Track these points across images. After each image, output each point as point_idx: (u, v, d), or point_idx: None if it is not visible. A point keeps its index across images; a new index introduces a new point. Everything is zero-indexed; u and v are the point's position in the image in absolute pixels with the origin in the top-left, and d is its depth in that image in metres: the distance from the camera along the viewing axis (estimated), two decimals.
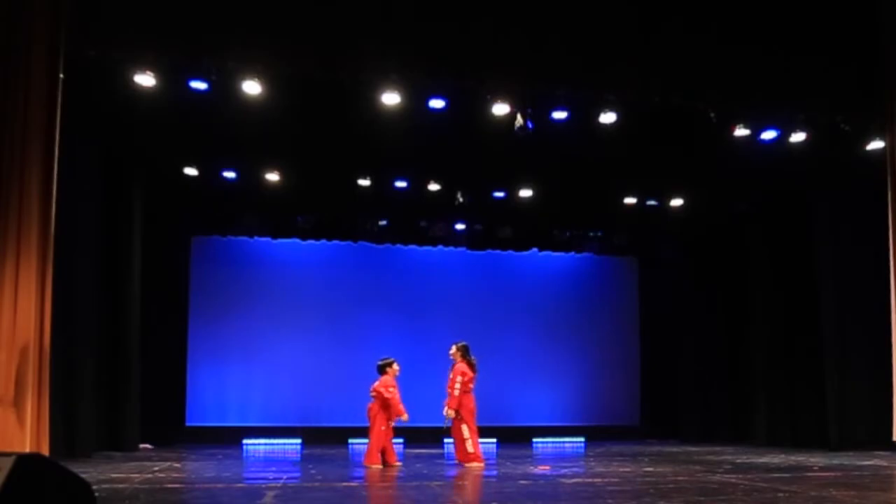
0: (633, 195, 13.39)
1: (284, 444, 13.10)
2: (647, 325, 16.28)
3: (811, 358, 12.24)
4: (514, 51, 8.91)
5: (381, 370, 9.61)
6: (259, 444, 12.85)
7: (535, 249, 15.40)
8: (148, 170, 11.93)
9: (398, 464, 9.44)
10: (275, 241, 14.58)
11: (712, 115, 9.64)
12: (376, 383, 9.54)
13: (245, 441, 13.04)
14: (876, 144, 10.02)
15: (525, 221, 14.49)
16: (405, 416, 9.43)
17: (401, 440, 13.37)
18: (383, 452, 9.35)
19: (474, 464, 9.22)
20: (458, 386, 9.41)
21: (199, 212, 13.82)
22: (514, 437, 14.50)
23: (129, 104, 9.25)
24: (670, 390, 15.64)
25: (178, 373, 13.99)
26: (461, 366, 9.58)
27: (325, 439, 13.84)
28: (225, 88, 8.73)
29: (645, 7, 9.24)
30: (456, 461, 9.47)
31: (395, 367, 9.65)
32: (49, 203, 7.38)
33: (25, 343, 7.00)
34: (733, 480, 7.11)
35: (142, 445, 11.61)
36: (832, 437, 11.65)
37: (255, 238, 14.43)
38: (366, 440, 9.54)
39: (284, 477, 7.62)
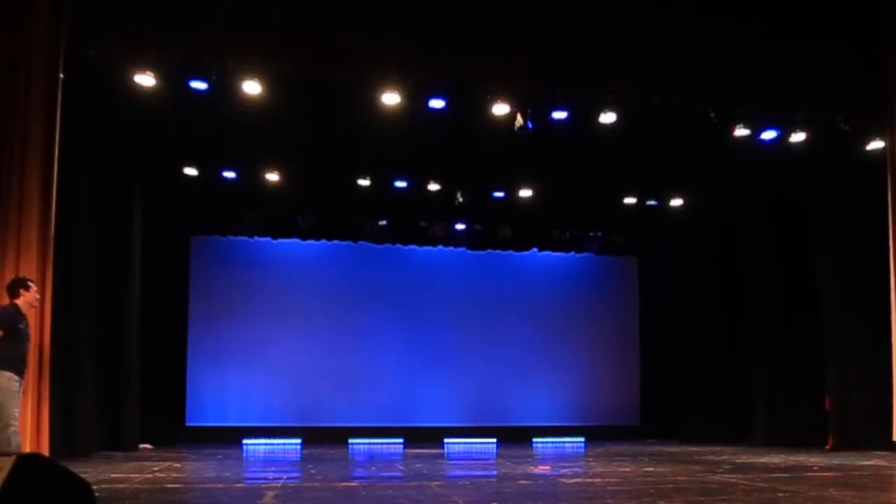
0: (633, 195, 13.40)
1: (284, 444, 13.08)
2: (647, 325, 16.27)
3: (811, 358, 12.23)
4: (514, 51, 8.91)
5: None
6: (259, 444, 12.83)
7: (535, 249, 15.40)
8: (148, 170, 11.93)
9: None
10: (275, 241, 14.58)
11: (712, 115, 9.65)
12: None
13: (245, 441, 13.03)
14: (876, 144, 10.03)
15: (525, 221, 14.48)
16: None
17: (401, 440, 13.39)
18: None
19: None
20: None
21: (199, 212, 13.82)
22: (514, 437, 14.49)
23: (129, 104, 9.25)
24: (670, 390, 15.63)
25: (178, 373, 13.98)
26: None
27: (325, 439, 13.84)
28: (225, 88, 8.74)
29: (645, 7, 9.25)
30: None
31: None
32: (49, 203, 7.39)
33: None
34: (733, 480, 7.10)
35: (142, 445, 11.59)
36: (832, 436, 11.64)
37: (255, 238, 14.43)
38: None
39: (284, 477, 7.61)
